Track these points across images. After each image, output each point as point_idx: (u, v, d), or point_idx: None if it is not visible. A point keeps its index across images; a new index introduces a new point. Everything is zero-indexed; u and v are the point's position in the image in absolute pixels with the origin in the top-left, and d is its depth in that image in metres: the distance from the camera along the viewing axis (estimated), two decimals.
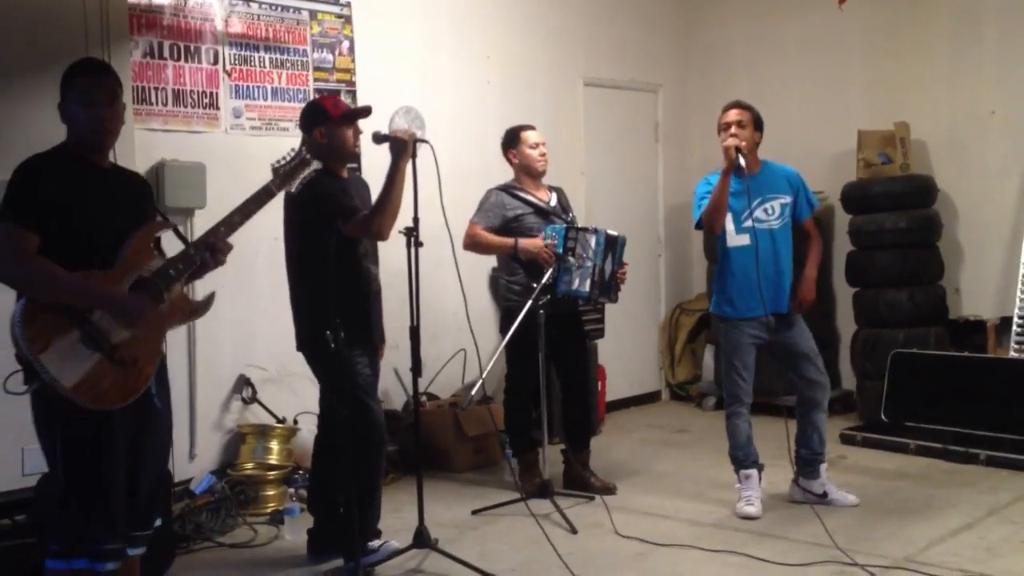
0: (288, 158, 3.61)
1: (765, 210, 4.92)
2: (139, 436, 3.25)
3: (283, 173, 3.57)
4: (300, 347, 4.36)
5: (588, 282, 5.11)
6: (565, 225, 5.19)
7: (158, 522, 3.48)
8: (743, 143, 4.81)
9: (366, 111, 4.34)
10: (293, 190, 3.58)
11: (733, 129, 4.86)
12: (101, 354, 3.05)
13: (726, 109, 4.97)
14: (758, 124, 4.96)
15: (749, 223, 4.84)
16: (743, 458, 4.97)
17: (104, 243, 3.16)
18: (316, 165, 3.65)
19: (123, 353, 3.10)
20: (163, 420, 3.38)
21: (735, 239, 4.91)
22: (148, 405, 3.25)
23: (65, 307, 3.04)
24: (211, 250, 3.31)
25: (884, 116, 6.96)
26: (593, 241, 5.12)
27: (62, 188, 3.12)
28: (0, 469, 4.63)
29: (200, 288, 3.83)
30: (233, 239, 3.41)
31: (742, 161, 4.77)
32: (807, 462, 5.04)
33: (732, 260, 4.92)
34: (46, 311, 3.00)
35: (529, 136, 5.39)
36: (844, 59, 7.45)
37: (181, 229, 3.65)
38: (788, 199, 4.97)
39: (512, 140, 5.43)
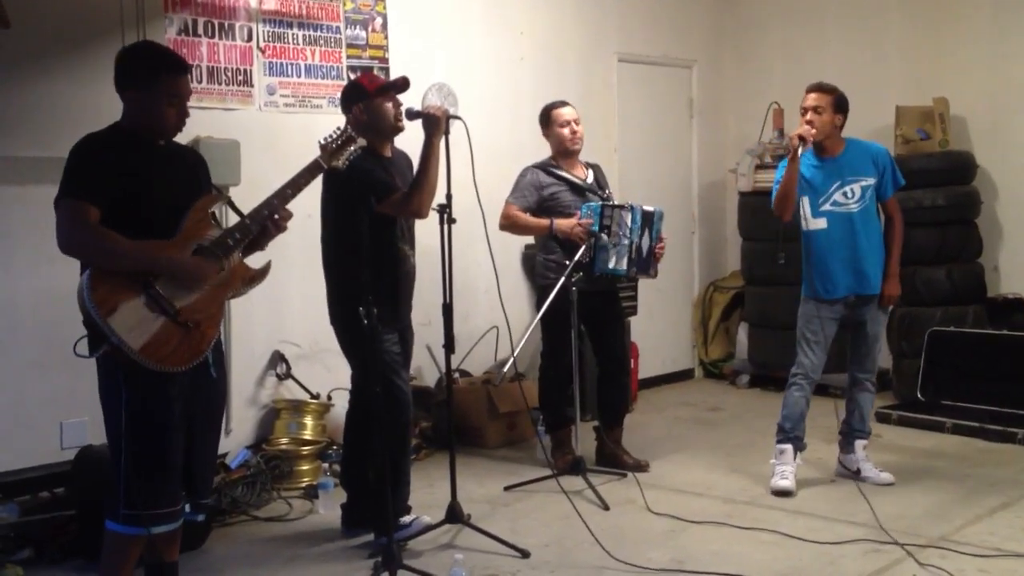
0: (335, 135, 3.67)
1: (844, 193, 4.86)
2: (196, 404, 3.32)
3: (331, 150, 3.64)
4: (332, 322, 4.39)
5: (625, 260, 5.09)
6: (600, 203, 5.16)
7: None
8: (814, 131, 4.74)
9: (402, 82, 4.30)
10: (340, 165, 3.63)
11: (808, 115, 4.80)
12: (166, 317, 3.15)
13: (807, 92, 4.89)
14: (839, 107, 4.85)
15: (827, 207, 4.83)
16: (789, 430, 4.94)
17: (163, 216, 3.25)
18: (362, 142, 3.69)
19: (187, 316, 3.19)
20: (218, 388, 3.48)
21: (812, 223, 4.89)
22: (205, 373, 3.33)
23: (130, 274, 3.13)
24: (268, 220, 3.39)
25: (923, 91, 6.86)
26: (629, 218, 5.08)
27: (121, 165, 3.20)
28: (39, 443, 4.71)
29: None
30: None
31: (800, 152, 4.72)
32: (844, 435, 5.07)
33: (812, 243, 4.91)
34: (112, 278, 3.10)
35: (560, 114, 5.32)
36: (882, 34, 7.34)
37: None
38: (871, 180, 4.88)
39: (543, 119, 5.38)
